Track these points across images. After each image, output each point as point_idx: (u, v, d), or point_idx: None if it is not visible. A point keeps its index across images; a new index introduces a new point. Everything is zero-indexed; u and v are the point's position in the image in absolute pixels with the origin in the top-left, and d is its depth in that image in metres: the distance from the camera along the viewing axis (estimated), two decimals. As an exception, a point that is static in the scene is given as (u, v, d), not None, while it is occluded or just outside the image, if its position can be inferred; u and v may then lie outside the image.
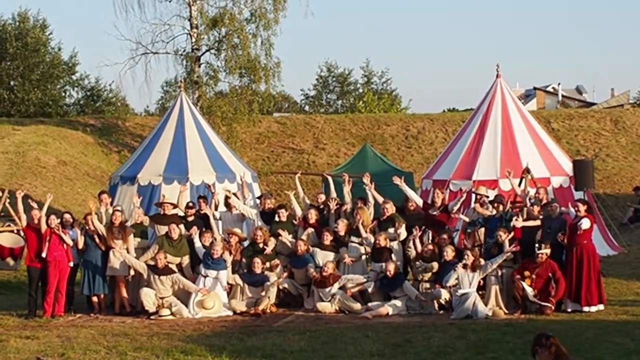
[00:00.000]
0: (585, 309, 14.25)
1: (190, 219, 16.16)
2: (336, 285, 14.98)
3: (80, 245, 15.27)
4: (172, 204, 16.43)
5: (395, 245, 15.44)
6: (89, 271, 15.32)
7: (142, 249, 15.64)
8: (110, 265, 15.27)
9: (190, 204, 16.61)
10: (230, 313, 14.97)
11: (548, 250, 14.17)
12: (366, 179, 16.23)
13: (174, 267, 15.12)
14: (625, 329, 12.74)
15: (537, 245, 14.29)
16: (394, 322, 13.97)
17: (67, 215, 15.66)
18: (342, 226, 15.73)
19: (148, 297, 14.71)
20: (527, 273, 14.21)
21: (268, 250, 15.59)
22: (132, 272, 15.40)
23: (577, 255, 14.29)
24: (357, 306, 14.87)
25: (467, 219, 16.25)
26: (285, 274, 15.52)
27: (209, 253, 15.06)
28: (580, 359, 9.62)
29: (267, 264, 15.49)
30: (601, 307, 14.40)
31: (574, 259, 14.30)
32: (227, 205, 16.81)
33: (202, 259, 15.16)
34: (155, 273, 14.79)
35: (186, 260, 15.44)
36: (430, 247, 15.04)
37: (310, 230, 15.99)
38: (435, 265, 14.82)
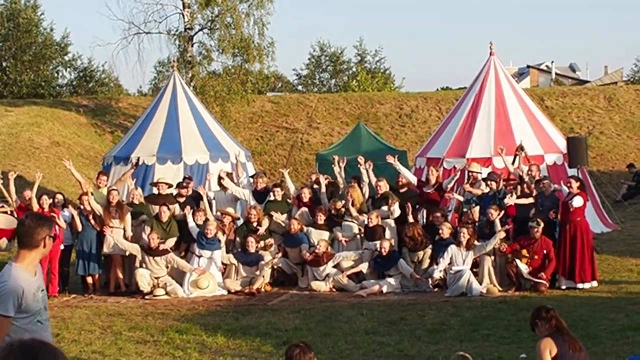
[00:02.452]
0: (579, 285, 14.29)
1: (182, 199, 16.10)
2: (330, 264, 14.98)
3: (79, 227, 15.22)
4: (167, 183, 16.38)
5: (389, 222, 15.43)
6: (84, 251, 15.29)
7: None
8: (107, 244, 15.24)
9: (184, 184, 16.58)
10: (224, 292, 14.98)
11: (541, 225, 14.17)
12: (361, 160, 16.20)
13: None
14: (618, 305, 12.79)
15: (530, 222, 14.30)
16: (388, 300, 14.00)
17: (59, 196, 15.61)
18: (336, 205, 15.70)
19: (143, 278, 14.68)
20: (524, 252, 14.23)
21: (262, 229, 15.58)
22: (127, 253, 15.36)
23: (571, 233, 14.32)
24: (352, 284, 14.88)
25: (461, 199, 16.21)
26: (280, 253, 15.52)
27: (202, 233, 15.03)
28: None
29: (261, 243, 15.49)
30: (595, 283, 14.45)
31: (567, 236, 14.34)
32: (221, 185, 16.76)
33: (196, 238, 15.14)
34: (149, 254, 14.77)
35: (171, 242, 15.27)
36: (419, 231, 14.95)
37: (304, 209, 15.98)
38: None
